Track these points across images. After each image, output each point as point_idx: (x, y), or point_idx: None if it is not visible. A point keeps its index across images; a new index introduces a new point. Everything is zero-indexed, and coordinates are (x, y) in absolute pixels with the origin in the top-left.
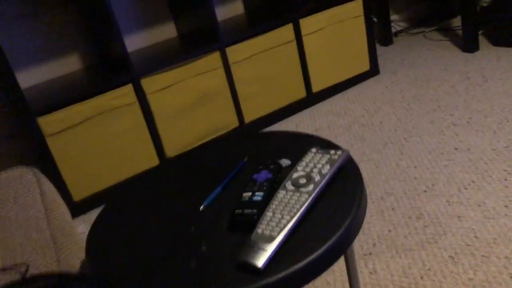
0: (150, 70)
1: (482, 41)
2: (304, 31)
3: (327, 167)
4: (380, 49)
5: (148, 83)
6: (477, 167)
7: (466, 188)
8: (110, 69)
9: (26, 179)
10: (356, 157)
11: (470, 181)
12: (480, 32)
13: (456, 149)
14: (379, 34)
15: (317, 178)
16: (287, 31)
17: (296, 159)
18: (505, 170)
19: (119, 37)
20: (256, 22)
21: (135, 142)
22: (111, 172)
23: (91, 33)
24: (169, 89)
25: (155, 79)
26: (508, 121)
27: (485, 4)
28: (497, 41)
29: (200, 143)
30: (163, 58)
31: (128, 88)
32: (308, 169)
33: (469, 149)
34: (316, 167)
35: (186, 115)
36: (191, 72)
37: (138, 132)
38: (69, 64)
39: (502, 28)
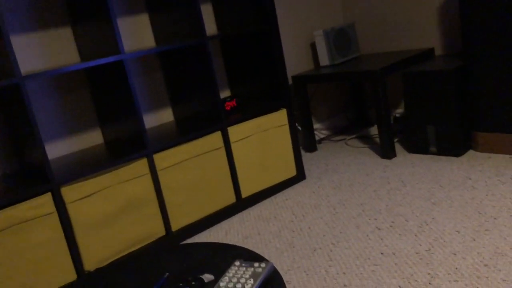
0: (72, 178)
1: (399, 148)
2: (232, 138)
3: (251, 281)
4: (305, 155)
5: (69, 192)
6: (403, 272)
7: None
8: (28, 177)
9: None
10: (285, 265)
11: (397, 286)
12: (395, 140)
13: (382, 253)
14: (303, 141)
15: None
16: (215, 138)
17: (219, 273)
18: (428, 274)
19: (39, 143)
20: (185, 130)
21: (51, 255)
22: None
23: (9, 139)
24: (91, 197)
25: (77, 187)
26: (427, 225)
27: (397, 115)
28: (411, 149)
29: (123, 254)
30: (87, 165)
31: (46, 197)
32: (231, 285)
33: (394, 254)
34: (239, 282)
35: (109, 225)
36: (115, 179)
37: (55, 245)
38: None
39: (414, 137)
